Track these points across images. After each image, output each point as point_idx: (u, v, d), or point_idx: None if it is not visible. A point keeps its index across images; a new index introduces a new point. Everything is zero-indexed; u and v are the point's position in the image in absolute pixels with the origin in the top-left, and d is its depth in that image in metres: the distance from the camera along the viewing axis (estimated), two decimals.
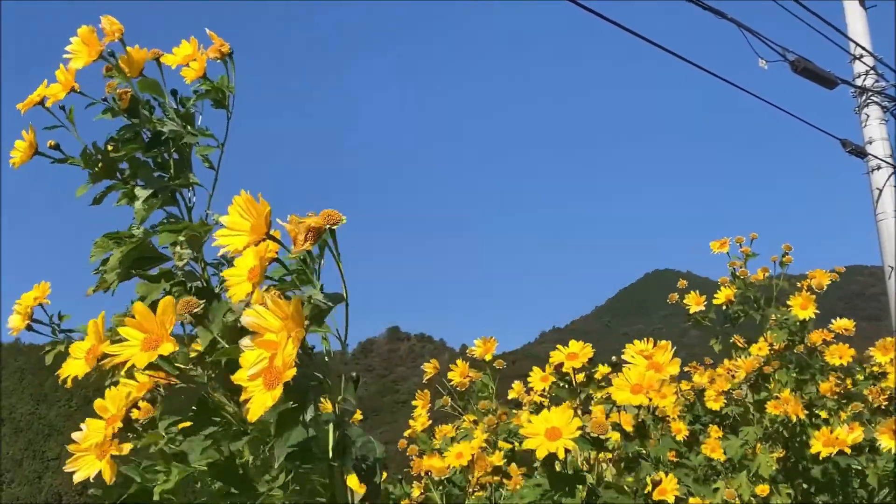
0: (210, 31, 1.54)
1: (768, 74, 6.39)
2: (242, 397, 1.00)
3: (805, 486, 2.98)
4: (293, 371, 0.98)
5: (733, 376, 3.22)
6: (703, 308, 3.50)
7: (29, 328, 1.69)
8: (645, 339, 1.72)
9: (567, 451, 1.52)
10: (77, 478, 1.25)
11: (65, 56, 1.45)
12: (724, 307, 3.41)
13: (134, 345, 1.10)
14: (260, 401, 0.98)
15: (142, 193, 1.45)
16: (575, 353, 1.82)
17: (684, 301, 3.56)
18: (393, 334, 78.00)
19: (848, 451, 2.70)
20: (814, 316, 3.18)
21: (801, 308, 3.19)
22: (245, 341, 1.03)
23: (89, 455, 1.28)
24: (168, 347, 1.09)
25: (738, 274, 3.42)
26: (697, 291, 3.57)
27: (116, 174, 1.49)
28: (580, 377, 1.83)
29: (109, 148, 1.48)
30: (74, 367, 1.18)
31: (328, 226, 1.06)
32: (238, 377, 1.01)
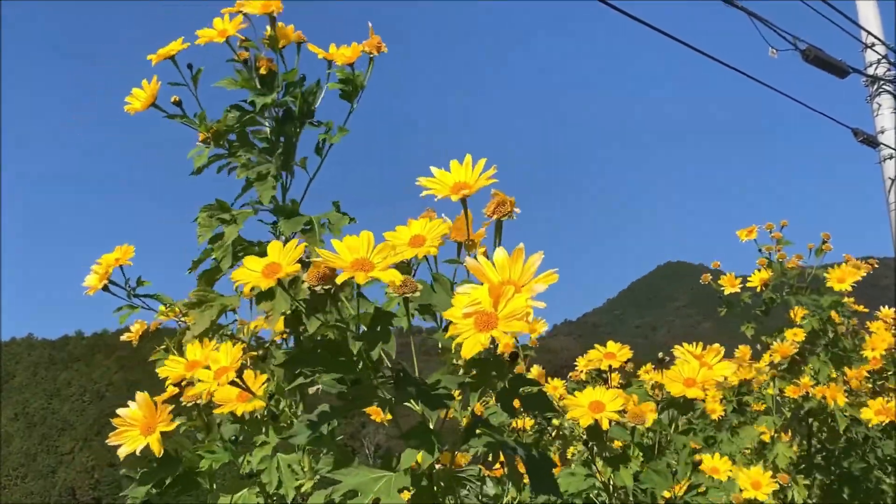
0: (371, 25, 1.54)
1: (778, 63, 6.35)
2: (449, 333, 1.03)
3: (827, 481, 2.90)
4: (523, 324, 0.97)
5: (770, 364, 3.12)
6: (739, 290, 3.41)
7: (105, 289, 1.68)
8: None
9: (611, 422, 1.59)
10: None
11: (233, 8, 1.46)
12: (758, 290, 3.33)
13: (344, 260, 1.08)
14: (473, 340, 0.99)
15: (271, 169, 1.44)
16: (612, 353, 1.92)
17: (718, 282, 3.47)
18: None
19: None
20: (850, 289, 3.11)
21: (838, 281, 3.13)
22: (463, 288, 1.06)
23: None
24: (393, 274, 1.08)
25: (777, 258, 3.31)
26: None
27: (225, 145, 1.48)
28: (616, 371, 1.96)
29: (227, 118, 1.46)
30: (247, 275, 1.13)
31: (510, 208, 1.19)
32: (450, 313, 1.03)
